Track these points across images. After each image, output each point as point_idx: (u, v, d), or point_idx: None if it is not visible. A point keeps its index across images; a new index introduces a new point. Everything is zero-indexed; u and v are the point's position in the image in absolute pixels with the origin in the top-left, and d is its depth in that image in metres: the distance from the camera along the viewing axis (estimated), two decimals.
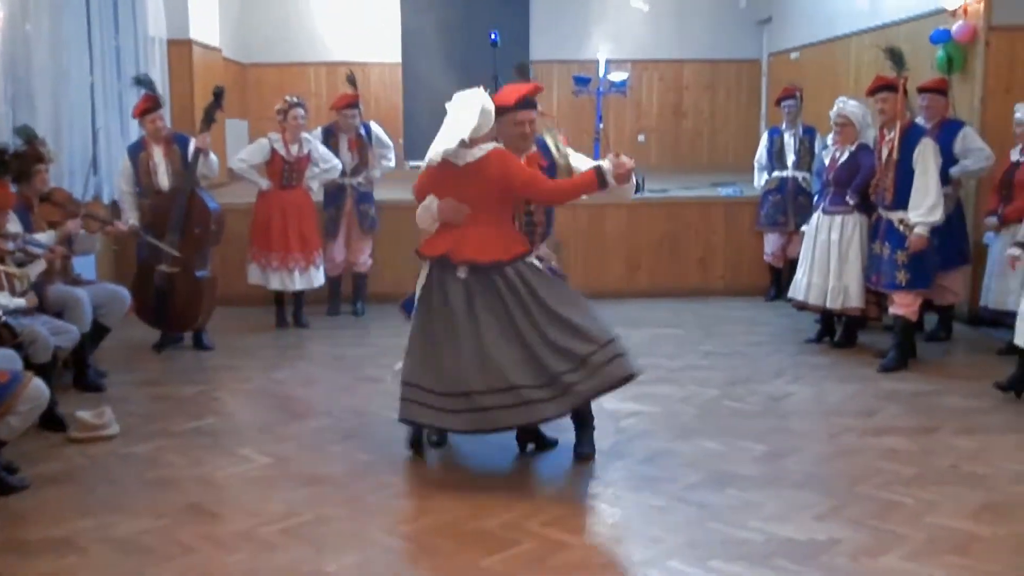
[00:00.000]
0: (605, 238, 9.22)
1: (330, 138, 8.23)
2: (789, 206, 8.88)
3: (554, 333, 4.69)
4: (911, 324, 6.69)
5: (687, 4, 13.58)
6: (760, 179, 9.18)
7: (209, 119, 7.28)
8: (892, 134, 6.57)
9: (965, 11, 7.92)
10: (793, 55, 12.04)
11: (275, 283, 7.86)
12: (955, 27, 7.88)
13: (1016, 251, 5.86)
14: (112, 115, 8.42)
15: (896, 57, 6.54)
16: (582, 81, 9.80)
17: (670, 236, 9.27)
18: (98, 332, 6.34)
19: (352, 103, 8.31)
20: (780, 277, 9.09)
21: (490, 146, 4.77)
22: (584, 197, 4.88)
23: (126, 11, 8.74)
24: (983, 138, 7.26)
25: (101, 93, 8.30)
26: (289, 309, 8.10)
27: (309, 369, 6.87)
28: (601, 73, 9.86)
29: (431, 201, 4.86)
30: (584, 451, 5.04)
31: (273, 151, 7.77)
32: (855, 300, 7.00)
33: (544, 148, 5.09)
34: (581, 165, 5.05)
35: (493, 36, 9.41)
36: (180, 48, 9.92)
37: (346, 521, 4.32)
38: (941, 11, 8.21)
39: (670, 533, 4.17)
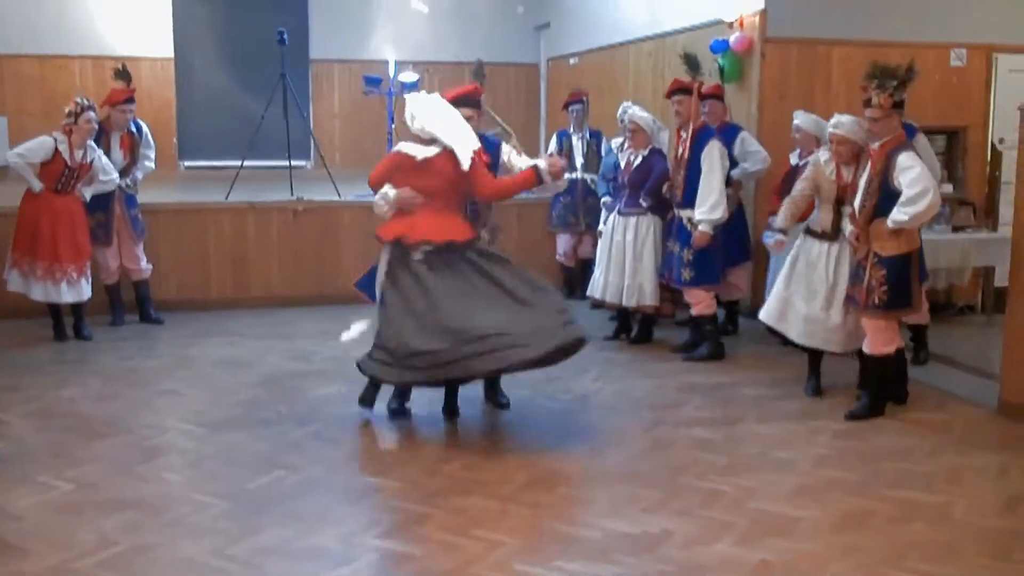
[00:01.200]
0: None
1: (101, 136, 7.70)
2: (579, 207, 9.11)
3: (514, 295, 5.27)
4: (712, 318, 7.04)
5: (466, 8, 13.70)
6: None
7: None
8: (686, 135, 6.88)
9: (741, 23, 8.38)
10: (572, 60, 12.39)
11: (38, 294, 7.31)
12: (733, 38, 8.33)
13: (779, 236, 6.19)
14: None
15: (692, 62, 6.83)
16: (373, 81, 9.68)
17: None
18: None
19: (130, 98, 7.84)
20: (573, 276, 9.32)
21: (443, 146, 5.31)
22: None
23: None
24: (760, 142, 7.73)
25: None
26: (68, 321, 7.56)
27: (101, 384, 6.41)
28: (391, 74, 9.77)
29: (388, 189, 5.35)
30: (502, 400, 5.89)
31: (57, 152, 7.21)
32: (649, 298, 7.29)
33: (490, 145, 5.74)
34: (517, 162, 5.81)
35: (281, 33, 9.16)
36: None
37: (166, 548, 4.06)
38: (719, 22, 8.65)
39: (509, 535, 4.17)
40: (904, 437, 5.49)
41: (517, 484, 4.73)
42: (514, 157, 5.82)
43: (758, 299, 7.86)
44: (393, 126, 9.52)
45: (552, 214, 9.26)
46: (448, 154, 5.27)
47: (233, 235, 8.77)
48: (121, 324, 8.00)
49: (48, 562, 3.90)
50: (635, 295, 7.30)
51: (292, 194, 9.30)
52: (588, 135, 9.20)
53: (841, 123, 5.96)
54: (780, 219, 6.18)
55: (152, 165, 8.22)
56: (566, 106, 9.30)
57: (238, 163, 9.56)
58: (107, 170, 7.56)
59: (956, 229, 8.09)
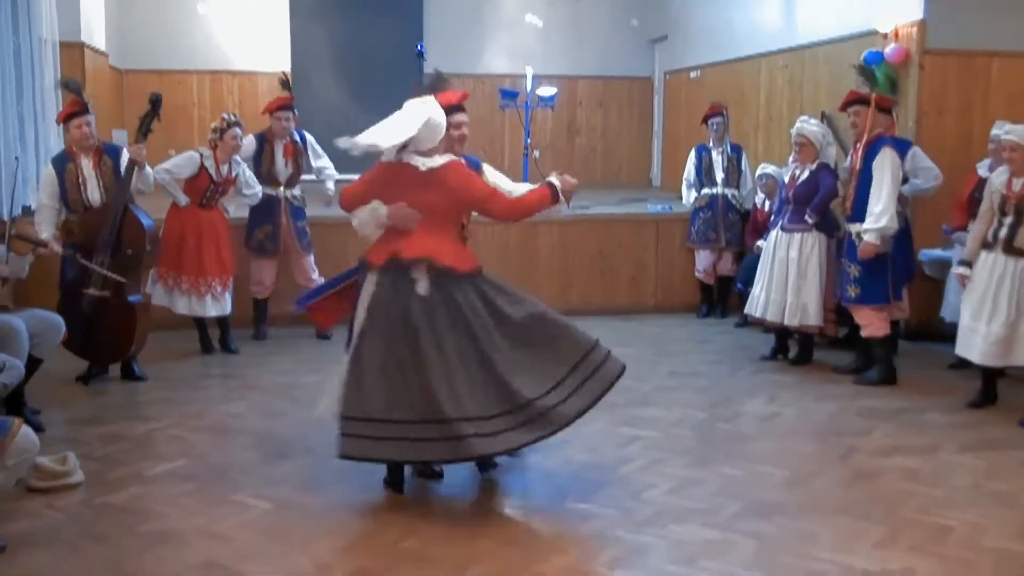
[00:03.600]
0: (538, 254, 9.01)
1: (264, 144, 7.71)
2: (719, 223, 8.89)
3: (522, 355, 4.50)
4: (883, 340, 6.76)
5: (579, 21, 13.56)
6: (689, 196, 9.15)
7: (145, 129, 6.68)
8: (860, 146, 6.66)
9: (896, 34, 8.10)
10: (693, 74, 12.16)
11: (182, 307, 7.27)
12: (888, 49, 8.05)
13: (964, 269, 6.05)
14: (27, 123, 7.65)
15: (868, 74, 6.60)
16: (509, 95, 9.58)
17: (602, 254, 9.14)
18: (31, 365, 5.64)
19: (286, 105, 7.83)
20: (712, 294, 9.10)
21: (449, 157, 4.61)
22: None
23: (22, 9, 7.94)
24: None
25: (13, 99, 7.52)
26: (215, 334, 7.52)
27: (264, 400, 6.34)
28: (528, 87, 9.66)
29: (378, 205, 4.60)
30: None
31: (202, 167, 7.20)
32: (813, 318, 7.03)
33: (473, 165, 4.97)
34: (503, 184, 5.05)
35: (419, 47, 9.09)
36: (71, 51, 9.12)
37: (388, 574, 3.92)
38: (870, 33, 8.37)
39: (744, 569, 3.96)
40: None
41: (728, 513, 4.52)
42: (500, 180, 5.10)
43: (911, 319, 7.58)
44: (529, 140, 9.39)
45: (691, 229, 9.03)
46: (453, 166, 4.58)
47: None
48: (264, 338, 7.94)
49: None
50: (798, 314, 7.04)
51: None
52: (729, 149, 8.98)
53: (1015, 129, 5.88)
54: (968, 251, 6.01)
55: (334, 173, 8.14)
56: (705, 120, 9.09)
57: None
58: (250, 183, 7.53)
59: None
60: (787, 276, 7.04)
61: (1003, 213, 5.97)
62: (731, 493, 4.76)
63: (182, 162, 7.25)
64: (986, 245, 6.04)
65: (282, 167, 7.79)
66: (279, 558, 4.04)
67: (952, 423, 5.93)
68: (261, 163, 7.76)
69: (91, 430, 5.65)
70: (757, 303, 7.25)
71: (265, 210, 7.72)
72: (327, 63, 12.73)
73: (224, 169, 7.28)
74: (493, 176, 5.11)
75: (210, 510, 4.52)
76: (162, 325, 7.63)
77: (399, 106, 4.66)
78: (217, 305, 7.35)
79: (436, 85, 4.79)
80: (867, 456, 5.34)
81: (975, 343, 6.06)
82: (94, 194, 6.46)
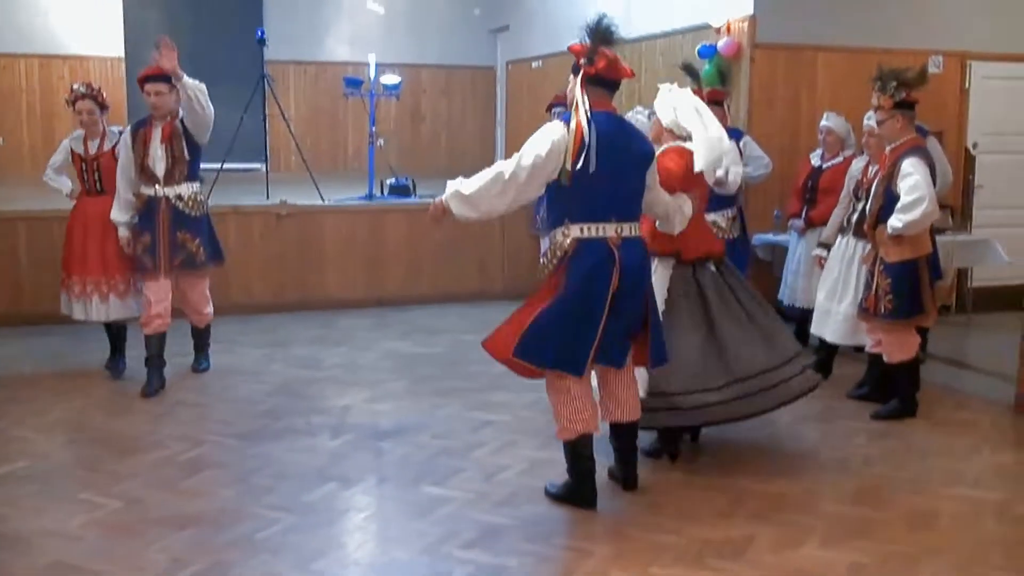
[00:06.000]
0: (385, 243, 9.02)
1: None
2: None
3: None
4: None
5: (422, 10, 13.59)
6: None
7: None
8: None
9: (729, 29, 8.47)
10: (535, 64, 12.35)
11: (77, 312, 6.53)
12: (721, 43, 8.40)
13: (822, 252, 6.37)
14: None
15: (691, 70, 6.81)
16: (354, 83, 9.51)
17: (448, 242, 9.21)
18: None
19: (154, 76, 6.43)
20: None
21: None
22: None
23: None
24: None
25: None
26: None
27: (110, 398, 6.14)
28: (372, 76, 9.61)
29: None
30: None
31: (71, 150, 6.50)
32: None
33: None
34: None
35: (260, 32, 8.93)
36: None
37: (244, 566, 3.89)
38: (704, 27, 8.72)
39: (595, 543, 4.11)
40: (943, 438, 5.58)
41: (899, 523, 4.42)
42: None
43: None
44: (374, 128, 9.37)
45: (536, 217, 9.19)
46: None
47: None
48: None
49: None
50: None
51: (268, 198, 9.08)
52: None
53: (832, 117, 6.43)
54: (827, 234, 6.39)
55: None
56: (549, 108, 9.23)
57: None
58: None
59: (936, 231, 8.29)
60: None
61: (856, 198, 6.25)
62: (896, 504, 4.63)
63: (57, 153, 6.61)
64: (842, 229, 6.35)
65: (158, 157, 6.18)
66: (131, 555, 3.95)
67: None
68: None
69: None
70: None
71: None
72: None
73: (94, 145, 6.47)
74: None
75: (56, 510, 4.38)
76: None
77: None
78: (111, 308, 6.43)
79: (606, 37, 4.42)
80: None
81: (828, 323, 6.32)
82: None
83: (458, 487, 4.70)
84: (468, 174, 4.37)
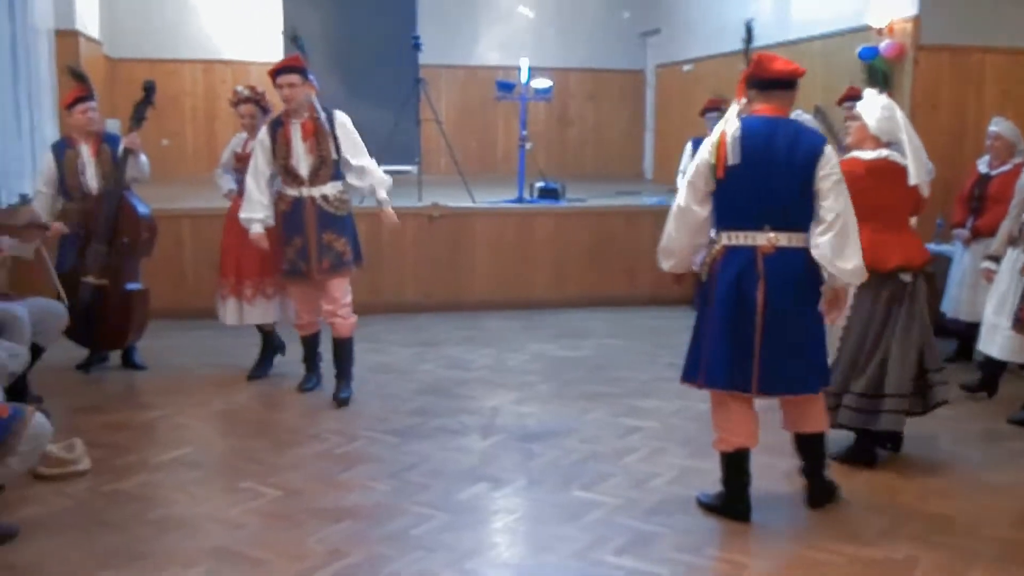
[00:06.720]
0: (534, 246, 9.05)
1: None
2: None
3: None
4: None
5: (571, 13, 13.60)
6: None
7: (139, 116, 6.62)
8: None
9: (891, 30, 8.19)
10: (686, 67, 12.21)
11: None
12: (883, 44, 8.13)
13: (991, 264, 6.05)
14: (22, 111, 7.61)
15: (876, 75, 6.63)
16: (506, 87, 9.60)
17: (597, 245, 9.18)
18: (33, 352, 5.63)
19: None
20: None
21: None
22: None
23: None
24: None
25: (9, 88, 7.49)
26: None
27: (265, 390, 6.36)
28: (524, 80, 9.69)
29: None
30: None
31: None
32: None
33: None
34: None
35: (416, 38, 9.10)
36: (67, 40, 9.10)
37: (400, 561, 3.94)
38: (864, 28, 8.45)
39: (749, 556, 4.02)
40: None
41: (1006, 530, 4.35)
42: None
43: None
44: (525, 132, 9.42)
45: None
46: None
47: (366, 240, 8.67)
48: None
49: (287, 573, 3.82)
50: None
51: (420, 199, 9.23)
52: None
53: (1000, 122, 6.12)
54: (996, 246, 6.04)
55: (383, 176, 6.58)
56: (703, 113, 9.13)
57: None
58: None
59: None
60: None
61: None
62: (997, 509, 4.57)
63: (225, 151, 6.79)
64: (1012, 241, 5.99)
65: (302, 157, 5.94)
66: (291, 545, 4.07)
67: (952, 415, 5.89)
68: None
69: (94, 418, 5.67)
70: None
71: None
72: (320, 52, 12.68)
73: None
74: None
75: (219, 497, 4.55)
76: (160, 314, 7.64)
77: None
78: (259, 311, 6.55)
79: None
80: None
81: (996, 338, 6.00)
82: (92, 181, 6.44)
83: (608, 492, 4.67)
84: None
